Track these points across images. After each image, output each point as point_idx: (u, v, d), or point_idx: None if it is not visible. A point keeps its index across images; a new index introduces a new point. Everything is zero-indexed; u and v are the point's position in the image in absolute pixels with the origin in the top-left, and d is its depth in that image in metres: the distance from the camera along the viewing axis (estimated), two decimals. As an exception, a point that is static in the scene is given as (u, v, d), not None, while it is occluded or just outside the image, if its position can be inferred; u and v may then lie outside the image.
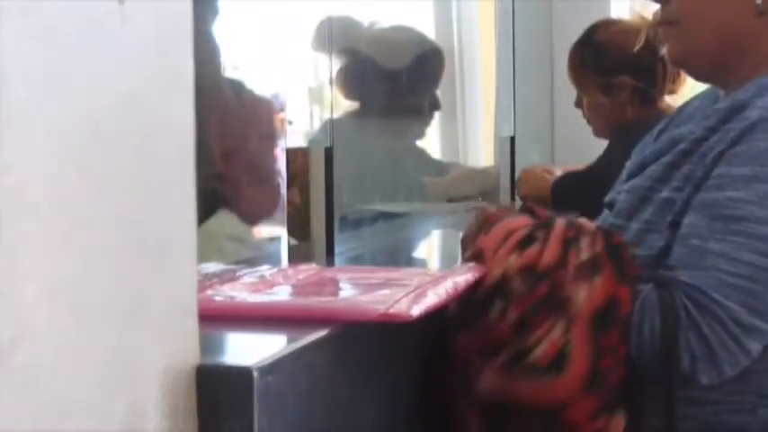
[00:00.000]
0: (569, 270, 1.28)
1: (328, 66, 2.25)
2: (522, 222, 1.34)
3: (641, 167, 1.48)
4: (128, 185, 0.78)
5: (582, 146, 3.47)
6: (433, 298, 1.08)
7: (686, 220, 1.35)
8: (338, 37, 2.28)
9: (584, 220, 1.36)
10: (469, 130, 3.33)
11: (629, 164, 1.57)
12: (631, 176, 1.50)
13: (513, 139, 3.58)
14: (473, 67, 3.34)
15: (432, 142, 3.07)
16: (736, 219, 1.32)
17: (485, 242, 1.33)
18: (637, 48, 2.44)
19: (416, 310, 1.01)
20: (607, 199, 1.54)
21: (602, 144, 2.87)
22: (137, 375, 0.79)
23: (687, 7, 1.47)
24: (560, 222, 1.33)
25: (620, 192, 1.49)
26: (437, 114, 2.99)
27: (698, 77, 1.58)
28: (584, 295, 1.27)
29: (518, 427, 1.30)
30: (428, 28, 3.05)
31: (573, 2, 3.95)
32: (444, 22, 3.19)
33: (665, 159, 1.43)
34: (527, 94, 3.69)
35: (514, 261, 1.29)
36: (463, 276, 1.21)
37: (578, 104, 2.82)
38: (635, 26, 2.61)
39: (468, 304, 1.28)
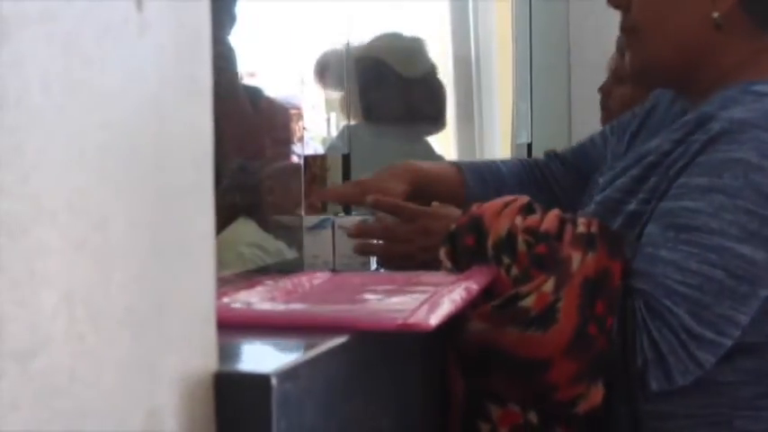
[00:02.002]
0: (565, 239, 1.31)
1: (345, 73, 2.25)
2: (516, 197, 1.39)
3: (610, 180, 1.49)
4: (146, 192, 0.78)
5: (599, 152, 3.46)
6: (449, 305, 1.07)
7: (646, 230, 1.37)
8: (355, 44, 2.28)
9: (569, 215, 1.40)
10: (486, 136, 3.33)
11: (604, 173, 1.58)
12: (603, 189, 1.50)
13: (529, 146, 3.58)
14: (490, 73, 3.34)
15: (449, 149, 3.07)
16: (688, 228, 1.32)
17: (482, 209, 1.37)
18: None
19: (434, 320, 1.01)
20: (580, 211, 1.54)
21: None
22: (155, 382, 0.79)
23: (646, 17, 1.47)
24: (555, 209, 1.38)
25: (591, 204, 1.50)
26: (454, 121, 2.99)
27: (657, 87, 1.58)
28: (578, 260, 1.29)
29: (500, 386, 1.31)
30: (445, 35, 3.05)
31: (590, 9, 3.94)
32: (462, 30, 3.19)
33: (634, 172, 1.44)
34: (544, 100, 3.69)
35: (520, 222, 1.33)
36: (475, 282, 1.22)
37: (604, 91, 2.79)
38: None
39: (470, 262, 1.33)
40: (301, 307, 1.14)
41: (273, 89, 2.03)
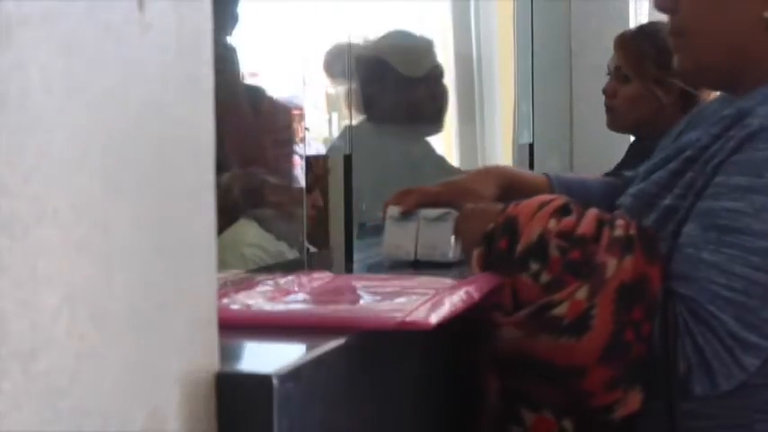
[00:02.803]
0: (602, 243, 1.29)
1: (347, 73, 2.25)
2: (553, 196, 1.37)
3: (649, 173, 1.48)
4: (147, 193, 0.78)
5: (600, 152, 3.46)
6: (450, 306, 1.07)
7: (684, 229, 1.35)
8: (356, 44, 2.28)
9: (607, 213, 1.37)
10: (488, 136, 3.33)
11: (645, 165, 1.57)
12: (642, 180, 1.50)
13: (531, 146, 3.57)
14: (492, 73, 3.34)
15: (451, 149, 3.06)
16: (730, 230, 1.31)
17: (517, 210, 1.35)
18: None
19: (435, 318, 1.01)
20: (618, 201, 1.54)
21: (621, 150, 2.86)
22: (157, 382, 0.79)
23: (695, 20, 1.47)
24: (593, 209, 1.35)
25: (627, 195, 1.49)
26: (456, 121, 2.99)
27: (707, 88, 1.59)
28: (613, 266, 1.28)
29: (534, 392, 1.31)
30: (447, 35, 3.05)
31: (592, 8, 3.94)
32: (463, 30, 3.19)
33: (672, 166, 1.43)
34: (546, 100, 3.69)
35: (554, 225, 1.31)
36: (479, 285, 1.21)
37: (608, 92, 2.79)
38: None
39: (500, 267, 1.30)
40: (302, 307, 1.14)
41: (275, 89, 2.02)
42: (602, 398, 1.27)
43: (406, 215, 1.93)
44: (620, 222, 1.32)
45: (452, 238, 1.84)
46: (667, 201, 1.39)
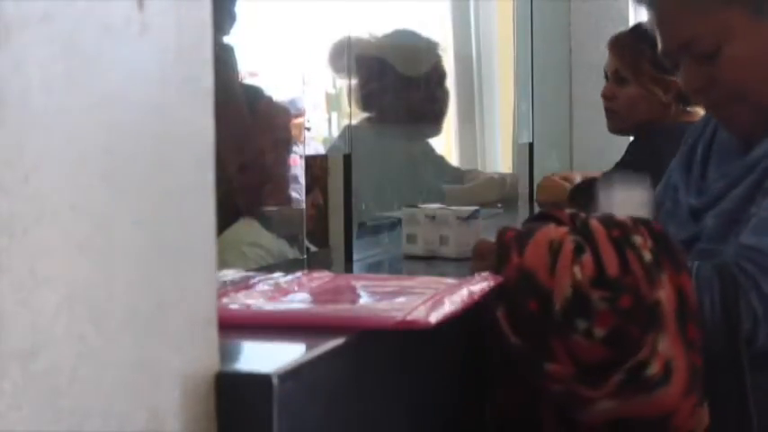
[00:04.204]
0: (638, 275, 1.26)
1: (347, 72, 2.25)
2: (557, 232, 1.31)
3: (717, 195, 1.53)
4: (147, 192, 0.78)
5: (600, 151, 3.47)
6: (450, 306, 1.07)
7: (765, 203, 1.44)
8: (356, 44, 2.28)
9: (613, 214, 1.34)
10: (488, 136, 3.33)
11: (676, 174, 1.64)
12: (709, 205, 1.56)
13: (531, 146, 3.57)
14: (491, 73, 3.34)
15: (450, 149, 3.06)
16: None
17: (529, 262, 1.28)
18: None
19: (434, 318, 1.01)
20: (689, 231, 1.57)
21: (621, 149, 2.86)
22: (157, 382, 0.79)
23: (752, 81, 1.55)
24: (596, 225, 1.30)
25: (708, 217, 1.53)
26: (456, 121, 2.99)
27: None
28: (664, 298, 1.25)
29: None
30: (446, 34, 3.05)
31: (591, 8, 3.94)
32: (463, 29, 3.19)
33: (752, 177, 1.49)
34: (545, 100, 3.69)
35: (580, 275, 1.25)
36: (479, 285, 1.21)
37: (607, 95, 2.80)
38: None
39: (538, 330, 1.25)
40: (302, 307, 1.14)
41: (275, 89, 2.03)
42: (686, 426, 1.26)
43: (472, 216, 1.96)
44: (639, 240, 1.28)
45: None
46: (753, 210, 1.44)
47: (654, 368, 1.23)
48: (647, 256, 1.27)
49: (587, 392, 1.23)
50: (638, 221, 1.32)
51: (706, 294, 1.33)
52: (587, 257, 1.26)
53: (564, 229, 1.31)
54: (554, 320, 1.25)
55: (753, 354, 1.37)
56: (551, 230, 1.31)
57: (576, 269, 1.26)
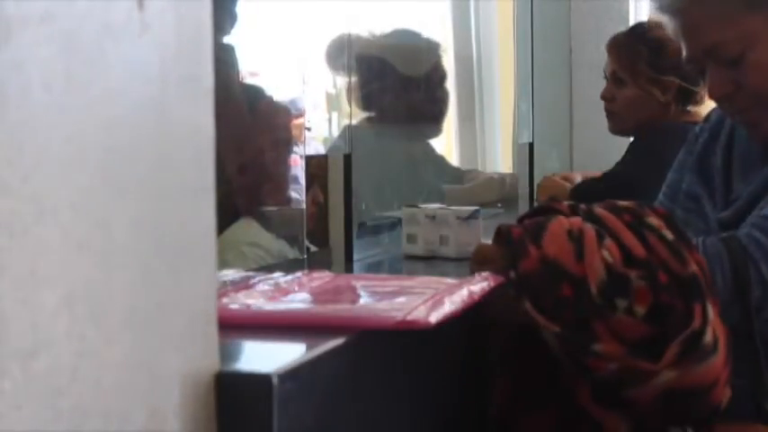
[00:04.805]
0: (664, 255, 1.27)
1: (347, 74, 2.25)
2: (571, 222, 1.31)
3: (750, 203, 1.58)
4: (147, 192, 0.78)
5: (600, 151, 3.47)
6: (450, 306, 1.07)
7: None
8: (356, 44, 2.28)
9: (615, 201, 1.35)
10: (488, 136, 3.33)
11: (691, 182, 1.68)
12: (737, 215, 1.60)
13: (531, 146, 3.58)
14: (491, 73, 3.34)
15: (450, 149, 3.06)
16: None
17: (551, 251, 1.27)
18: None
19: (435, 318, 1.01)
20: (727, 235, 1.60)
21: (621, 149, 2.87)
22: (156, 382, 0.79)
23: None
24: (604, 213, 1.31)
25: (747, 225, 1.56)
26: (456, 121, 2.99)
27: None
28: (697, 269, 1.26)
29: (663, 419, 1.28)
30: (447, 34, 3.05)
31: (591, 8, 3.94)
32: (463, 29, 3.19)
33: None
34: (545, 100, 3.69)
35: (608, 256, 1.26)
36: (479, 285, 1.21)
37: (606, 96, 2.80)
38: None
39: (576, 313, 1.24)
40: (302, 307, 1.14)
41: (276, 89, 2.02)
42: (722, 397, 1.26)
43: (472, 216, 1.97)
44: (655, 221, 1.30)
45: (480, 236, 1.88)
46: None
47: (708, 336, 1.23)
48: (669, 234, 1.28)
49: (647, 366, 1.22)
50: (641, 205, 1.32)
51: (717, 267, 1.38)
52: (610, 242, 1.27)
53: (577, 219, 1.32)
54: (592, 303, 1.24)
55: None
56: (564, 221, 1.31)
57: (605, 253, 1.26)
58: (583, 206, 1.35)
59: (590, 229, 1.29)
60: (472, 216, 2.02)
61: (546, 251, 1.28)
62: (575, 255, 1.27)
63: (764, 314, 1.40)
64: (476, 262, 1.41)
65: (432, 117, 2.78)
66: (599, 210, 1.32)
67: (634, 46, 2.74)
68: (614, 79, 2.78)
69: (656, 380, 1.23)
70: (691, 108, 2.70)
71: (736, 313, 1.37)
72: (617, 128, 2.84)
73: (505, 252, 1.30)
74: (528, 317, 1.25)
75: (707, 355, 1.23)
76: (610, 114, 2.81)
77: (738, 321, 1.36)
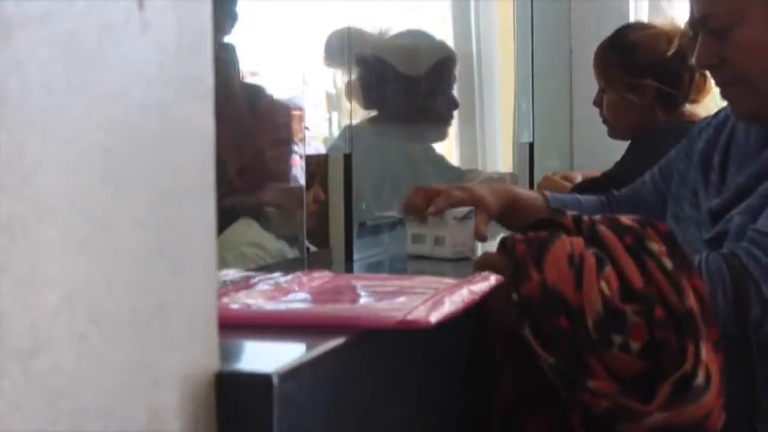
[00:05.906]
0: (663, 285, 1.25)
1: (347, 72, 2.25)
2: (573, 245, 1.29)
3: (747, 189, 1.58)
4: (147, 192, 0.78)
5: (601, 151, 3.46)
6: (450, 306, 1.07)
7: None
8: (356, 43, 2.28)
9: (618, 217, 1.33)
10: (488, 136, 3.33)
11: (694, 179, 1.70)
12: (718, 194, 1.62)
13: (531, 146, 3.58)
14: (492, 73, 3.34)
15: (450, 149, 3.06)
16: None
17: (551, 279, 1.27)
18: (670, 53, 2.50)
19: (435, 317, 1.01)
20: (718, 228, 1.60)
21: (621, 149, 2.87)
22: (157, 382, 0.79)
23: (757, 66, 1.59)
24: (607, 233, 1.30)
25: (732, 216, 1.56)
26: (456, 120, 2.99)
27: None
28: (693, 304, 1.25)
29: None
30: (447, 34, 3.05)
31: (592, 7, 3.94)
32: (463, 28, 3.19)
33: None
34: (546, 99, 3.69)
35: (607, 290, 1.25)
36: (479, 285, 1.21)
37: (597, 103, 2.82)
38: (668, 32, 2.64)
39: (571, 346, 1.24)
40: (302, 306, 1.14)
41: (275, 88, 2.03)
42: (717, 424, 1.26)
43: (468, 216, 1.99)
44: (656, 247, 1.28)
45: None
46: None
47: (700, 378, 1.22)
48: (668, 263, 1.26)
49: (638, 407, 1.22)
50: (644, 223, 1.31)
51: (718, 285, 1.39)
52: (609, 271, 1.26)
53: (579, 241, 1.30)
54: (589, 337, 1.24)
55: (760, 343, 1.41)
56: (566, 243, 1.29)
57: (603, 285, 1.25)
58: (586, 219, 1.34)
59: (590, 257, 1.27)
60: (468, 216, 2.02)
61: (546, 275, 1.27)
62: (574, 282, 1.25)
63: (764, 329, 1.41)
64: (480, 269, 1.40)
65: (431, 117, 2.79)
66: (602, 228, 1.30)
67: (606, 52, 2.76)
68: (599, 86, 2.81)
69: (648, 420, 1.23)
70: (690, 107, 2.71)
71: (733, 328, 1.39)
72: (613, 133, 2.86)
73: (509, 263, 1.30)
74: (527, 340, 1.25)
75: (698, 396, 1.22)
76: (604, 121, 2.84)
77: (735, 335, 1.37)
